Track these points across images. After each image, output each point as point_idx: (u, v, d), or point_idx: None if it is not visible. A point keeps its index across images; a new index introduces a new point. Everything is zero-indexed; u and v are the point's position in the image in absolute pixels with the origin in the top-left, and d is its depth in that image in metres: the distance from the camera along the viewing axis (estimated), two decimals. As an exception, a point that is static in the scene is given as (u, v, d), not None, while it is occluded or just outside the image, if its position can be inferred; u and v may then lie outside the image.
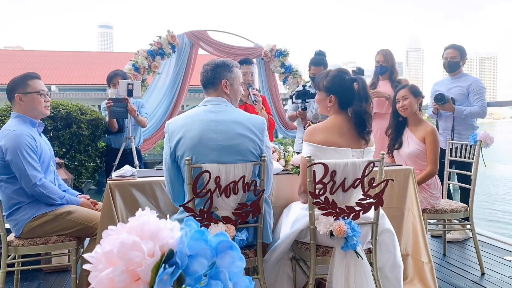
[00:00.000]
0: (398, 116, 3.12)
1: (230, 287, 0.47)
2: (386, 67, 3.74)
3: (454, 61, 3.71)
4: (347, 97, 2.18)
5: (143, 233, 0.47)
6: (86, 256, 0.52)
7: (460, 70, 3.74)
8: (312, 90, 3.41)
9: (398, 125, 3.15)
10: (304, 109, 3.45)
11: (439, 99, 3.52)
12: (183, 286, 0.46)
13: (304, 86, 3.48)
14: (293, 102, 3.58)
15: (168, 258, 0.46)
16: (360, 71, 3.61)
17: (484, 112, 3.60)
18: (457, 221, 3.39)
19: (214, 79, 2.10)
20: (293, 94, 3.51)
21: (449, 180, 3.39)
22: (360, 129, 2.15)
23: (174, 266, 0.46)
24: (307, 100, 3.41)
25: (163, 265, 0.46)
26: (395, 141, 3.14)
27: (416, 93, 3.06)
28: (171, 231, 0.48)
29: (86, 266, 0.52)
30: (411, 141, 3.04)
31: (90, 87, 19.68)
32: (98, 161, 3.96)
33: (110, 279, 0.45)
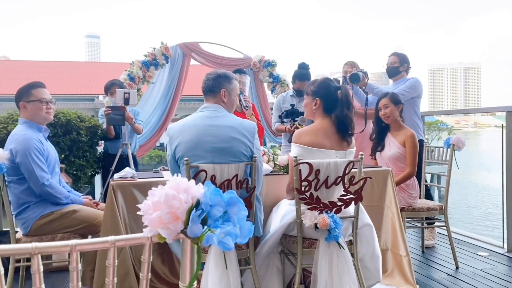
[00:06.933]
0: (381, 122, 3.38)
1: (237, 228, 0.69)
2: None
3: (393, 67, 3.92)
4: (331, 101, 2.40)
5: (179, 189, 0.68)
6: (139, 206, 0.73)
7: (402, 75, 3.92)
8: (301, 109, 3.51)
9: (381, 130, 3.40)
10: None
11: (355, 79, 3.66)
12: (207, 225, 0.67)
13: (292, 105, 3.65)
14: (282, 122, 3.73)
15: (197, 205, 0.68)
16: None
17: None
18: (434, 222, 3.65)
19: (215, 87, 2.34)
20: (282, 113, 3.69)
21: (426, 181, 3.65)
22: (342, 132, 2.37)
23: (201, 211, 0.67)
24: (295, 119, 3.57)
25: (194, 209, 0.67)
26: (378, 145, 3.40)
27: (396, 101, 3.31)
28: (197, 189, 0.70)
29: (139, 212, 0.73)
30: (392, 145, 3.29)
31: (77, 97, 19.37)
32: (96, 167, 4.13)
33: (159, 218, 0.66)
